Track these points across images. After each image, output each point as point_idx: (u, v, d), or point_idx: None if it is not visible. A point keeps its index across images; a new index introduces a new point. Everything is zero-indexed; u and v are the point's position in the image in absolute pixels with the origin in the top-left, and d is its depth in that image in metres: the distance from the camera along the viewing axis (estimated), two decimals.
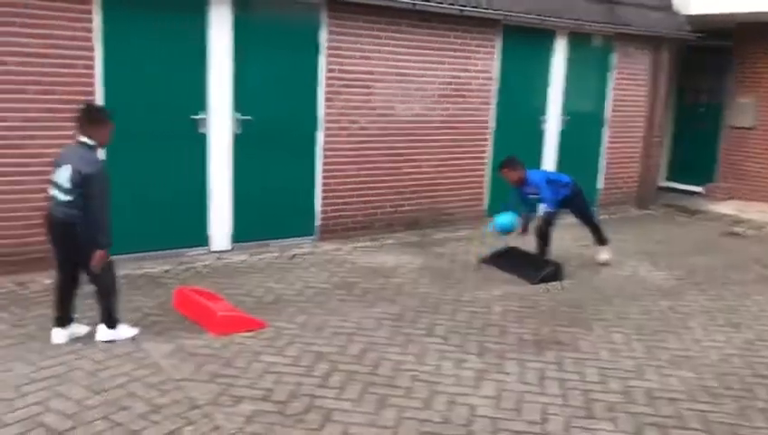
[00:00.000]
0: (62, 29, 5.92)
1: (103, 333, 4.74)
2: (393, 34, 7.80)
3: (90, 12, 6.02)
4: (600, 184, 10.41)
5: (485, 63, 8.65)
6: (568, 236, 8.09)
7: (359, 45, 7.58)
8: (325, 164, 7.61)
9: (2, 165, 5.86)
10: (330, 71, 7.43)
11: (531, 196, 6.96)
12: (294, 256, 7.11)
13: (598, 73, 10.02)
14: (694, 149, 12.06)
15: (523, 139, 9.15)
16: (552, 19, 8.84)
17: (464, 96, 8.55)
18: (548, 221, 7.01)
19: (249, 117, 7.00)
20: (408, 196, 8.33)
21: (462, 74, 8.47)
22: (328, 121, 7.53)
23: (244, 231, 7.17)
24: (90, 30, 6.05)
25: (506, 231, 6.89)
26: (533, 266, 6.81)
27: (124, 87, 6.28)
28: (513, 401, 4.24)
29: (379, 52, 7.75)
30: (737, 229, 9.56)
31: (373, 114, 7.84)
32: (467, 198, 8.92)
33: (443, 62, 8.27)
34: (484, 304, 5.93)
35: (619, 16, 9.66)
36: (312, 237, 7.67)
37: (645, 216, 10.37)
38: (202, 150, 6.84)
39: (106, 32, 6.13)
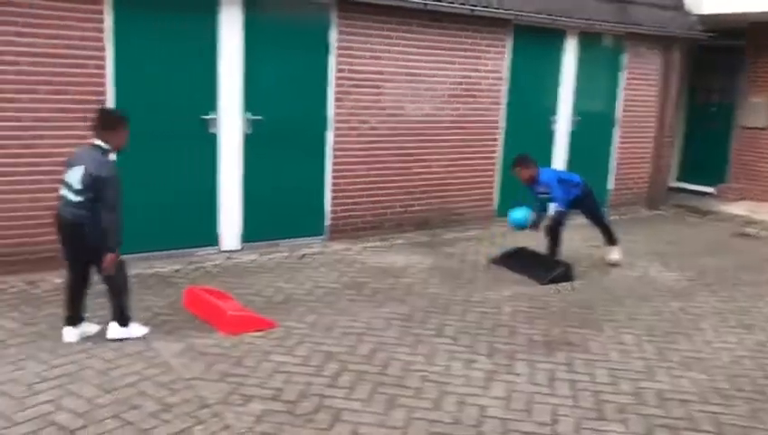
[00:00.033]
0: (74, 29, 5.95)
1: (115, 330, 4.76)
2: (403, 34, 7.80)
3: (101, 12, 6.05)
4: (611, 184, 10.36)
5: (496, 63, 8.63)
6: (578, 237, 8.06)
7: (369, 45, 7.58)
8: (335, 164, 7.61)
9: (14, 164, 5.90)
10: (340, 71, 7.44)
11: (542, 195, 6.94)
12: (304, 255, 7.12)
13: (608, 73, 9.98)
14: (705, 150, 11.99)
15: (533, 139, 9.12)
16: (562, 19, 8.81)
17: (474, 96, 8.54)
18: (558, 221, 6.99)
19: (260, 117, 7.02)
20: (417, 196, 8.32)
21: (472, 74, 8.45)
22: (338, 121, 7.54)
23: (253, 231, 7.18)
24: (101, 30, 6.07)
25: (521, 226, 6.86)
26: (544, 267, 6.79)
27: (135, 87, 6.30)
28: (524, 401, 4.23)
29: (389, 52, 7.74)
30: (749, 230, 9.50)
31: (383, 114, 7.84)
32: (477, 198, 8.90)
33: (453, 62, 8.26)
34: (494, 305, 5.92)
35: (630, 16, 9.62)
36: (321, 237, 7.68)
37: (655, 216, 10.32)
38: (212, 150, 6.86)
39: (117, 32, 6.16)
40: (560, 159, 9.59)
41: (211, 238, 7.00)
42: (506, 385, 4.43)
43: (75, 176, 4.48)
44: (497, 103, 8.78)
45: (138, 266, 6.15)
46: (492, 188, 9.01)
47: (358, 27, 7.47)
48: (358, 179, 7.81)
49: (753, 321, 5.85)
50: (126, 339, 4.75)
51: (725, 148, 11.69)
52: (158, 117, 6.43)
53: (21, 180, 5.94)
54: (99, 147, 4.56)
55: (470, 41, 8.33)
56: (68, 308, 4.75)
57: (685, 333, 5.51)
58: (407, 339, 5.08)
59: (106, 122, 4.62)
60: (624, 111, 10.20)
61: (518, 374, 4.59)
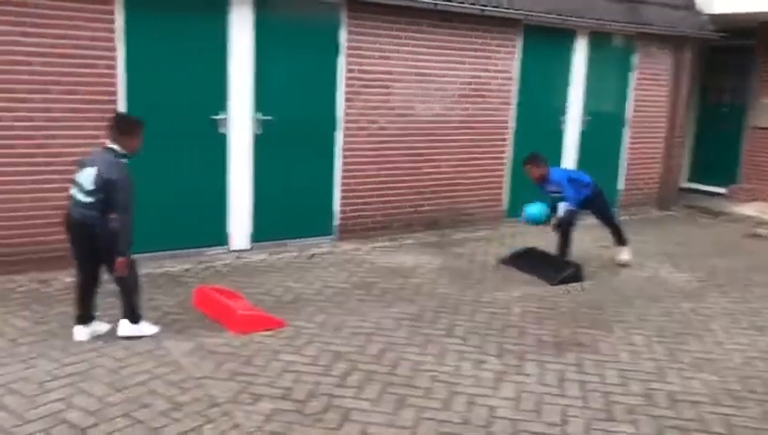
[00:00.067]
0: (85, 29, 5.98)
1: (125, 328, 4.79)
2: (413, 34, 7.80)
3: (112, 12, 6.08)
4: (621, 185, 10.33)
5: (506, 63, 8.62)
6: (588, 238, 8.03)
7: (378, 45, 7.59)
8: (344, 164, 7.62)
9: (26, 164, 5.93)
10: (349, 71, 7.44)
11: (552, 194, 6.93)
12: (313, 255, 7.12)
13: (619, 73, 9.94)
14: (716, 150, 11.93)
15: (543, 139, 9.09)
16: (573, 19, 8.79)
17: (484, 96, 8.53)
18: (569, 222, 6.97)
19: (270, 117, 7.03)
20: (427, 196, 8.32)
21: (482, 74, 8.44)
22: (347, 121, 7.54)
23: (263, 230, 7.20)
24: (112, 30, 6.10)
25: (536, 221, 6.84)
26: (554, 267, 6.78)
27: (145, 87, 6.33)
28: (533, 402, 4.21)
29: (399, 52, 7.74)
30: (760, 231, 9.43)
31: (393, 114, 7.84)
32: (487, 198, 8.89)
33: (463, 62, 8.25)
34: (503, 305, 5.91)
35: (640, 16, 9.58)
36: (330, 237, 7.68)
37: (666, 217, 10.27)
38: (222, 151, 6.88)
39: (128, 32, 6.18)
40: (570, 159, 9.56)
41: (221, 238, 7.02)
42: (516, 386, 4.42)
43: (87, 177, 4.51)
44: (507, 103, 8.76)
45: (148, 266, 6.17)
46: (501, 188, 8.99)
47: (367, 27, 7.48)
48: (367, 179, 7.82)
49: (764, 322, 5.82)
50: (136, 337, 4.77)
51: (737, 148, 11.62)
52: (169, 117, 6.45)
53: (33, 180, 5.97)
54: (112, 150, 4.59)
55: (480, 41, 8.32)
56: (78, 307, 4.77)
57: (695, 334, 5.48)
58: (416, 339, 5.08)
59: (121, 127, 4.65)
60: (634, 111, 10.16)
61: (528, 375, 4.58)
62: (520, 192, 8.85)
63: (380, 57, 7.63)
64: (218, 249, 6.99)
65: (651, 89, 10.25)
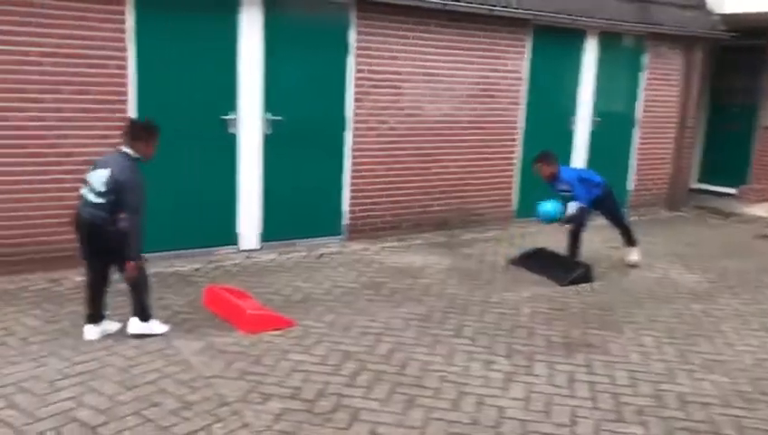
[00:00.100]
0: (96, 30, 6.01)
1: (135, 325, 4.81)
2: (422, 34, 7.80)
3: (123, 13, 6.11)
4: (631, 185, 10.29)
5: (515, 63, 8.60)
6: (597, 238, 8.01)
7: (388, 46, 7.59)
8: (354, 164, 7.63)
9: (38, 163, 5.97)
10: (359, 71, 7.45)
11: (562, 192, 6.90)
12: (322, 255, 7.13)
13: (629, 74, 9.91)
14: (727, 151, 11.86)
15: (552, 139, 9.06)
16: (582, 19, 8.76)
17: (493, 96, 8.51)
18: (580, 219, 6.94)
19: (279, 117, 7.05)
20: (436, 196, 8.32)
21: (491, 74, 8.43)
22: (356, 122, 7.55)
23: (272, 230, 7.21)
24: (123, 31, 6.13)
25: (550, 218, 6.81)
26: (563, 268, 6.76)
27: (156, 87, 6.36)
28: (542, 403, 4.21)
29: (408, 52, 7.74)
30: None
31: (402, 114, 7.84)
32: (496, 198, 8.87)
33: (472, 63, 8.24)
34: (512, 306, 5.90)
35: (651, 16, 9.55)
36: (339, 237, 7.69)
37: (676, 217, 10.23)
38: (232, 151, 6.90)
39: (138, 32, 6.21)
40: (579, 159, 9.54)
41: (230, 238, 7.04)
42: (525, 386, 4.41)
43: (99, 178, 4.54)
44: (516, 104, 8.75)
45: (158, 265, 6.20)
46: (511, 188, 8.98)
47: (377, 27, 7.48)
48: (376, 180, 7.82)
49: None
50: (146, 335, 4.79)
51: (747, 149, 11.56)
52: (179, 117, 6.47)
53: (45, 179, 6.01)
54: (127, 154, 4.61)
55: (489, 41, 8.31)
56: (89, 306, 4.80)
57: (706, 335, 5.46)
58: (425, 339, 5.08)
59: (137, 132, 4.68)
60: (644, 111, 10.12)
61: (537, 376, 4.57)
62: (529, 192, 8.83)
63: (389, 57, 7.63)
64: (228, 249, 7.01)
65: (661, 89, 10.21)
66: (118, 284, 4.96)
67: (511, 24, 8.39)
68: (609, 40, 9.46)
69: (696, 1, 10.23)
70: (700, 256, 7.90)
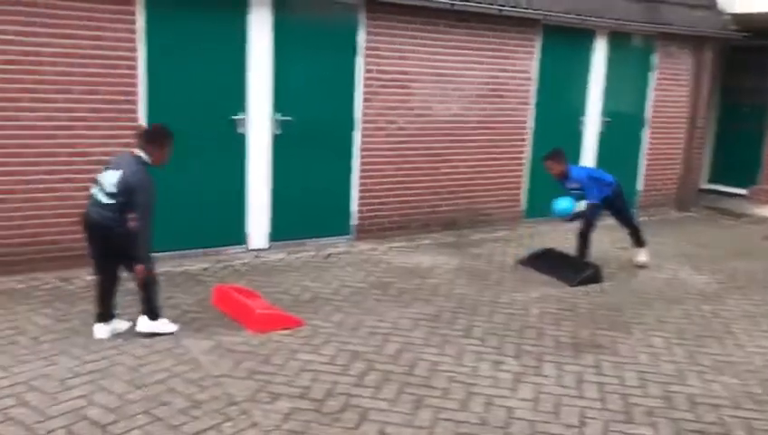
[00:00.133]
0: (107, 30, 6.04)
1: (144, 324, 4.83)
2: (431, 35, 7.79)
3: (133, 13, 6.13)
4: (640, 186, 10.26)
5: (524, 63, 8.59)
6: (606, 239, 7.99)
7: (396, 46, 7.59)
8: (362, 164, 7.63)
9: (49, 163, 6.00)
10: (368, 71, 7.45)
11: (572, 191, 6.89)
12: (330, 255, 7.14)
13: (638, 73, 9.87)
14: (737, 151, 11.80)
15: (562, 139, 8.98)
16: (592, 19, 8.74)
17: (502, 96, 8.50)
18: (590, 216, 6.93)
19: (289, 118, 7.06)
20: (444, 196, 8.31)
21: (500, 74, 8.42)
22: (365, 122, 7.55)
23: (281, 230, 7.23)
24: (133, 31, 6.16)
25: (564, 215, 6.79)
26: (572, 268, 6.74)
27: (166, 87, 6.38)
28: (551, 404, 4.20)
29: (417, 52, 7.74)
30: None
31: (411, 114, 7.84)
32: (505, 198, 8.86)
33: (481, 62, 8.23)
34: (521, 306, 5.89)
35: (660, 15, 9.51)
36: (348, 237, 7.70)
37: (686, 218, 10.19)
38: (241, 151, 6.92)
39: (149, 33, 6.23)
40: (589, 159, 9.51)
41: (239, 237, 7.06)
42: (534, 387, 4.40)
43: (110, 179, 4.56)
44: (526, 104, 8.73)
45: (167, 264, 6.23)
46: (520, 188, 8.96)
47: (386, 28, 7.48)
48: (385, 180, 7.82)
49: None
50: (155, 334, 4.82)
51: (758, 149, 11.46)
52: (189, 117, 6.49)
53: (56, 178, 6.04)
54: (139, 157, 4.64)
55: (498, 41, 8.30)
56: (98, 305, 4.82)
57: (716, 336, 5.44)
58: (433, 339, 5.08)
59: (151, 138, 4.70)
60: (654, 111, 10.08)
61: (546, 376, 4.57)
62: (539, 193, 8.83)
63: (398, 57, 7.63)
64: (237, 248, 7.03)
65: (671, 89, 10.17)
66: (127, 283, 4.98)
67: (520, 24, 8.37)
68: (619, 40, 9.43)
69: (706, 1, 10.18)
70: (710, 257, 7.86)
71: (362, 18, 7.34)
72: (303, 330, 5.10)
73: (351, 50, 7.37)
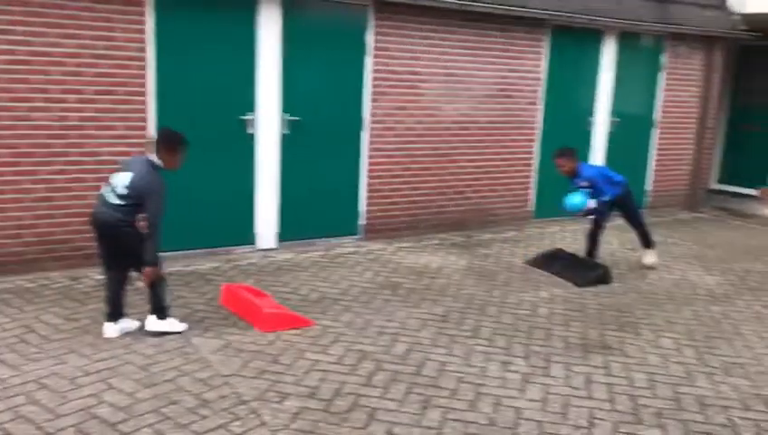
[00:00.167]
0: (117, 30, 6.06)
1: (153, 323, 4.85)
2: (440, 35, 7.79)
3: (143, 14, 6.16)
4: (649, 186, 10.22)
5: (533, 64, 8.57)
6: (615, 240, 7.97)
7: (405, 46, 7.59)
8: (371, 164, 7.64)
9: (60, 162, 6.03)
10: (376, 71, 7.46)
11: (582, 189, 6.87)
12: (339, 255, 7.15)
13: (648, 74, 9.84)
14: (747, 151, 11.73)
15: (571, 140, 8.92)
16: (601, 19, 8.72)
17: (510, 96, 8.49)
18: (598, 223, 6.92)
19: (297, 117, 7.07)
20: (453, 196, 8.31)
21: (509, 75, 8.41)
22: (374, 122, 7.56)
23: (289, 230, 7.24)
24: (143, 32, 6.18)
25: (576, 210, 6.76)
26: (581, 269, 6.73)
27: (176, 88, 6.41)
28: (560, 404, 4.19)
29: (426, 52, 7.74)
30: None
31: (419, 115, 7.84)
32: (513, 199, 8.85)
33: (490, 63, 8.22)
34: (530, 307, 5.88)
35: (670, 15, 9.47)
36: (356, 237, 7.71)
37: (695, 219, 10.14)
38: (250, 151, 6.94)
39: (159, 33, 6.26)
40: (597, 160, 9.48)
41: (248, 237, 7.08)
42: (542, 388, 4.40)
43: (122, 180, 4.58)
44: (534, 104, 8.72)
45: (176, 264, 6.26)
46: (528, 189, 8.95)
47: (394, 28, 7.49)
48: (393, 180, 7.83)
49: None
50: (164, 333, 4.84)
51: None
52: (198, 117, 6.52)
53: (66, 178, 6.07)
54: (151, 161, 4.66)
55: (507, 41, 8.28)
56: (108, 304, 4.84)
57: (725, 337, 5.41)
58: (442, 340, 5.08)
59: (164, 143, 4.71)
60: (663, 112, 10.05)
61: (554, 377, 4.56)
62: (547, 193, 8.81)
63: (407, 58, 7.63)
64: (246, 248, 7.04)
65: (681, 89, 10.13)
66: (136, 282, 5.00)
67: (529, 24, 8.36)
68: (628, 40, 9.40)
69: (716, 0, 10.13)
70: (719, 258, 7.83)
71: (371, 18, 7.34)
72: (312, 330, 5.11)
73: (360, 50, 7.38)
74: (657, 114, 10.03)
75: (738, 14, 10.21)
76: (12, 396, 3.94)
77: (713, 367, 4.84)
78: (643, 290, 6.52)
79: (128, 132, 6.22)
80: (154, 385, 4.15)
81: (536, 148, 8.85)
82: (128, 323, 4.91)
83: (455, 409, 4.07)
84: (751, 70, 11.66)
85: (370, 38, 7.38)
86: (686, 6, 9.69)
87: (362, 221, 7.74)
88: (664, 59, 9.84)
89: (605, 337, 5.29)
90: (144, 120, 6.29)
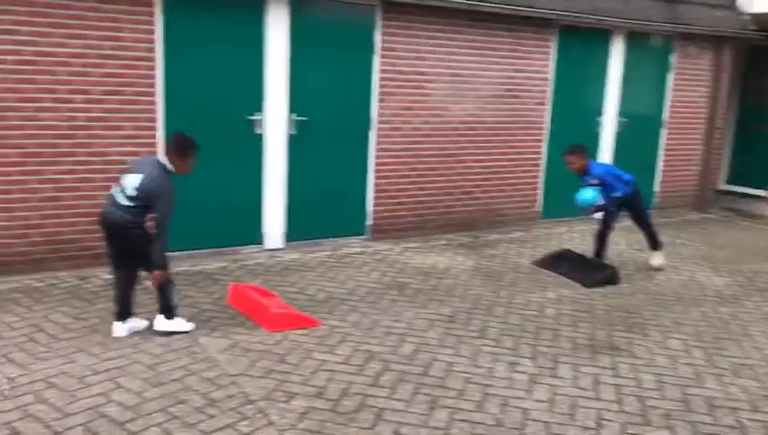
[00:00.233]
0: (126, 31, 6.08)
1: (161, 323, 4.87)
2: (447, 35, 7.78)
3: (152, 14, 6.17)
4: (658, 187, 10.18)
5: (541, 64, 8.56)
6: (623, 241, 7.94)
7: (413, 46, 7.59)
8: (378, 164, 7.64)
9: (68, 162, 6.05)
10: (383, 71, 7.46)
11: (591, 187, 6.84)
12: (346, 255, 7.15)
13: (656, 74, 9.81)
14: (756, 152, 11.66)
15: (578, 140, 8.81)
16: (609, 19, 8.69)
17: (518, 97, 8.47)
18: (606, 223, 6.90)
19: (304, 118, 7.08)
20: (460, 197, 8.30)
21: (517, 75, 8.39)
22: (381, 122, 7.56)
23: (297, 230, 7.25)
24: (152, 32, 6.20)
25: (588, 205, 6.74)
26: (589, 270, 6.71)
27: (184, 88, 6.42)
28: (567, 405, 4.18)
29: (433, 52, 7.74)
30: None
31: (426, 115, 7.84)
32: (521, 199, 8.83)
33: (498, 63, 8.21)
34: (537, 307, 5.87)
35: (679, 15, 9.44)
36: (363, 237, 7.71)
37: (703, 219, 10.10)
38: (258, 151, 6.95)
39: (167, 34, 6.27)
40: (605, 160, 9.44)
41: (256, 237, 7.09)
42: (550, 388, 4.39)
43: (132, 182, 4.60)
44: (542, 104, 8.70)
45: (184, 263, 6.27)
46: (536, 189, 8.93)
47: (402, 28, 7.48)
48: (400, 180, 7.82)
49: None
50: (173, 333, 4.85)
51: None
52: (206, 118, 6.54)
53: (75, 178, 6.09)
54: (162, 164, 4.67)
55: (514, 41, 8.27)
56: (116, 304, 4.86)
57: (734, 338, 5.39)
58: (449, 340, 5.07)
59: (177, 147, 4.72)
60: (672, 112, 10.01)
61: (562, 378, 4.55)
62: (555, 194, 8.80)
63: (415, 58, 7.63)
64: (253, 248, 7.05)
65: (690, 90, 10.09)
66: (145, 281, 5.02)
67: (536, 25, 8.34)
68: (637, 40, 9.37)
69: (725, 0, 10.09)
70: (728, 259, 7.79)
71: (378, 18, 7.34)
72: (319, 330, 5.11)
73: (367, 50, 7.38)
74: (666, 114, 9.99)
75: (747, 14, 10.17)
76: (20, 395, 3.96)
77: (721, 368, 4.82)
78: (651, 291, 6.50)
79: (136, 132, 6.24)
80: (162, 384, 4.16)
81: (544, 148, 8.83)
82: (136, 323, 4.93)
83: (462, 409, 4.06)
84: (760, 69, 11.58)
85: (378, 38, 7.38)
86: (695, 6, 9.65)
87: (369, 221, 7.74)
88: (673, 59, 9.80)
89: (613, 338, 5.28)
90: (152, 120, 6.31)
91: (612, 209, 6.83)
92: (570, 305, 5.96)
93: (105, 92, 6.09)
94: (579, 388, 4.41)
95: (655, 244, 7.24)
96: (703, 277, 7.02)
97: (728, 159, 11.96)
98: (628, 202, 6.95)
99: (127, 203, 4.59)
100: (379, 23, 7.35)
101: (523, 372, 4.60)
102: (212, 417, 3.83)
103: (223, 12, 6.57)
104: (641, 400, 4.30)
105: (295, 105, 7.03)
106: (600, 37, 9.07)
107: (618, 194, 6.69)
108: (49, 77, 5.85)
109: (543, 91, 8.67)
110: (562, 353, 4.94)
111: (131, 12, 6.08)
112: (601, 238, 6.99)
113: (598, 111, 9.35)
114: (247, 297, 5.40)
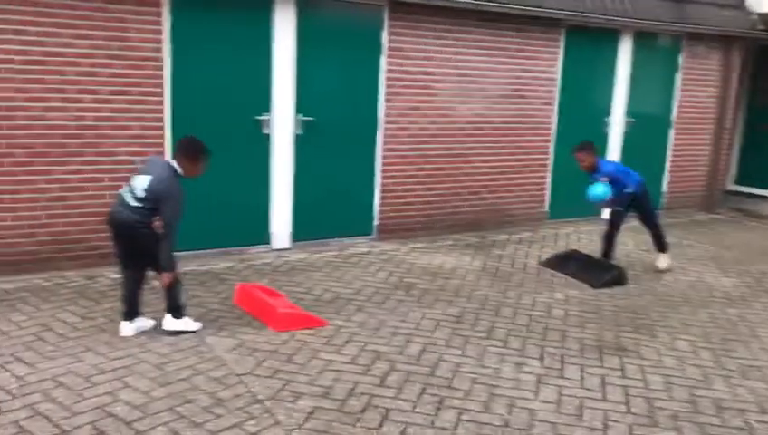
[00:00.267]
0: (133, 31, 6.10)
1: (169, 322, 4.88)
2: (454, 35, 7.78)
3: (159, 14, 6.19)
4: (665, 187, 10.15)
5: (548, 64, 8.54)
6: (630, 242, 7.92)
7: (420, 46, 7.59)
8: (384, 164, 7.64)
9: (76, 162, 6.07)
10: (390, 71, 7.46)
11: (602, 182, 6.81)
12: (352, 255, 7.15)
13: (664, 74, 9.77)
14: (765, 152, 11.62)
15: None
16: (617, 19, 8.67)
17: (525, 97, 8.46)
18: (613, 224, 6.87)
19: (311, 118, 7.08)
20: (467, 197, 8.29)
21: (524, 75, 8.38)
22: (388, 122, 7.56)
23: (303, 230, 7.25)
24: (159, 32, 6.21)
25: (599, 200, 6.72)
26: (596, 270, 6.69)
27: (192, 88, 6.44)
28: (574, 406, 4.17)
29: (441, 52, 7.73)
30: None
31: (433, 115, 7.83)
32: (528, 199, 8.81)
33: (505, 63, 8.20)
34: (544, 308, 5.85)
35: (687, 15, 9.40)
36: (370, 237, 7.71)
37: (712, 220, 10.06)
38: (265, 151, 6.95)
39: (174, 34, 6.29)
40: (613, 160, 9.42)
41: (263, 237, 7.10)
42: (557, 389, 4.38)
43: (141, 183, 4.61)
44: (549, 104, 8.68)
45: (191, 263, 6.29)
46: (543, 189, 8.91)
47: (409, 28, 7.48)
48: (407, 180, 7.82)
49: None
50: (180, 332, 4.86)
51: None
52: (214, 118, 6.55)
53: (83, 178, 6.11)
54: (172, 166, 4.68)
55: (522, 41, 8.25)
56: (124, 304, 4.87)
57: (742, 340, 5.36)
58: (456, 340, 5.07)
59: (188, 151, 4.74)
60: (680, 112, 9.97)
61: (569, 378, 4.54)
62: (562, 194, 8.78)
63: (422, 58, 7.63)
64: (260, 248, 7.06)
65: (698, 90, 10.05)
66: (152, 281, 5.03)
67: (544, 24, 8.33)
68: (645, 40, 9.34)
69: (734, 0, 10.04)
70: (736, 260, 7.76)
71: (385, 18, 7.34)
72: (325, 330, 5.12)
73: (374, 50, 7.38)
74: (674, 115, 9.95)
75: (756, 14, 10.12)
76: (29, 394, 3.98)
77: (729, 370, 4.80)
78: (659, 292, 6.47)
79: (144, 132, 6.26)
80: (169, 384, 4.17)
81: (551, 148, 8.81)
82: (143, 322, 4.94)
83: (469, 410, 4.06)
84: None
85: (385, 38, 7.37)
86: (703, 6, 9.61)
87: (376, 221, 7.74)
88: (681, 59, 9.76)
89: (620, 339, 5.26)
90: (160, 120, 6.32)
91: (621, 209, 6.81)
92: (577, 306, 5.95)
93: (112, 92, 6.10)
94: (586, 389, 4.40)
95: (661, 246, 7.21)
96: (711, 278, 7.00)
97: (737, 159, 11.93)
98: (637, 202, 6.93)
99: (135, 204, 4.61)
100: (386, 22, 7.35)
101: (530, 373, 4.59)
102: (219, 416, 3.83)
103: (230, 12, 6.58)
104: (649, 401, 4.29)
105: (302, 105, 7.04)
106: (608, 37, 9.05)
107: (630, 190, 6.67)
108: (57, 77, 5.88)
109: (551, 92, 8.65)
110: (570, 354, 4.93)
111: (138, 12, 6.09)
112: (609, 239, 6.98)
113: (606, 111, 9.32)
114: (254, 297, 5.40)
